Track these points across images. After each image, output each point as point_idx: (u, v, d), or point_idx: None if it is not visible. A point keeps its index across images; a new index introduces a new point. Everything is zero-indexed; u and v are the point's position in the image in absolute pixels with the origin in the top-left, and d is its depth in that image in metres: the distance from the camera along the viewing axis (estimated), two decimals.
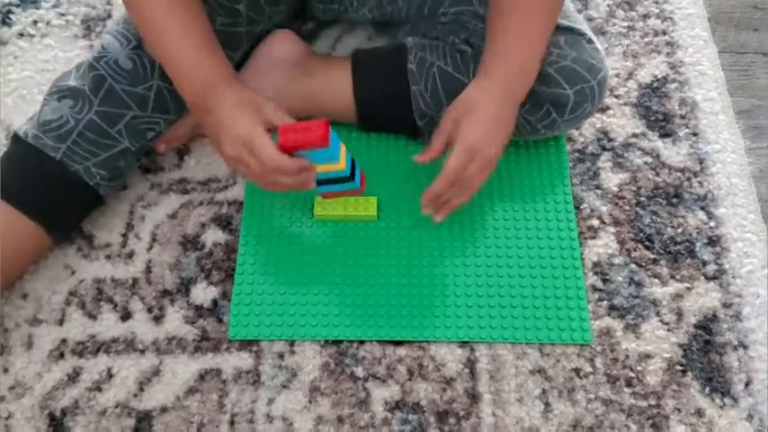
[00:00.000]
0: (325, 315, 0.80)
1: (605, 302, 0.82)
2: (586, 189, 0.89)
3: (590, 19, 1.03)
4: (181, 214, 0.88)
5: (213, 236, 0.86)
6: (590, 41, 0.82)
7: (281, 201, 0.87)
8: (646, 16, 1.04)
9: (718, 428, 0.75)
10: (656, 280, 0.83)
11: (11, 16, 1.04)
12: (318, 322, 0.80)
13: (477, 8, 0.84)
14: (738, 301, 0.82)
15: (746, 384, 0.77)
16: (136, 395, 0.77)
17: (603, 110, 0.95)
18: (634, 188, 0.89)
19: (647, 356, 0.79)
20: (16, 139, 0.80)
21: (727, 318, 0.81)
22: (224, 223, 0.87)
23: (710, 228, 0.86)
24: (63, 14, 1.04)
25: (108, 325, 0.81)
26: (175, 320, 0.81)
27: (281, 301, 0.81)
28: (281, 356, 0.79)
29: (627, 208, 0.88)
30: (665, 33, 1.02)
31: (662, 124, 0.94)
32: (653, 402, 0.76)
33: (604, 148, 0.92)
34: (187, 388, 0.77)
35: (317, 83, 0.88)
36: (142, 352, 0.79)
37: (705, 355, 0.79)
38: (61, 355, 0.79)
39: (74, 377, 0.78)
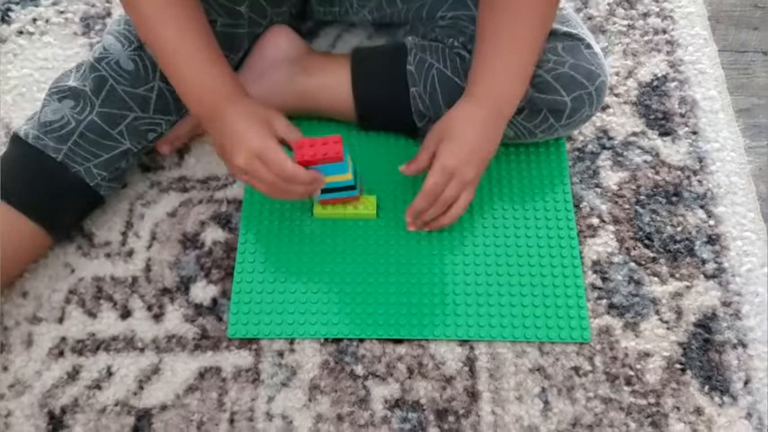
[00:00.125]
0: (324, 313, 0.80)
1: (604, 301, 0.82)
2: (586, 188, 0.89)
3: (590, 17, 1.03)
4: (180, 213, 0.88)
5: (213, 234, 0.86)
6: (589, 47, 0.82)
7: (280, 200, 0.87)
8: (646, 15, 1.04)
9: (717, 427, 0.75)
10: (656, 278, 0.83)
11: (10, 14, 1.04)
12: (318, 320, 0.80)
13: (474, 13, 0.84)
14: (738, 299, 0.82)
15: (745, 383, 0.77)
16: (135, 393, 0.77)
17: (603, 108, 0.95)
18: (633, 187, 0.89)
19: (647, 355, 0.79)
20: (17, 139, 0.80)
21: (727, 316, 0.81)
22: (223, 222, 0.87)
23: (710, 226, 0.86)
24: (62, 12, 1.04)
25: (108, 323, 0.81)
26: (175, 319, 0.81)
27: (281, 300, 0.81)
28: (280, 355, 0.79)
29: (626, 206, 0.88)
30: (665, 32, 1.02)
31: (662, 123, 0.94)
32: (652, 401, 0.76)
33: (604, 147, 0.92)
34: (187, 386, 0.77)
35: (315, 81, 0.88)
36: (142, 350, 0.79)
37: (704, 354, 0.79)
38: (61, 354, 0.79)
39: (73, 375, 0.78)
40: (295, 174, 0.74)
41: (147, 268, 0.84)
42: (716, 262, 0.84)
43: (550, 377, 0.77)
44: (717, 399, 0.76)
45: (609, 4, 1.04)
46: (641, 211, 0.88)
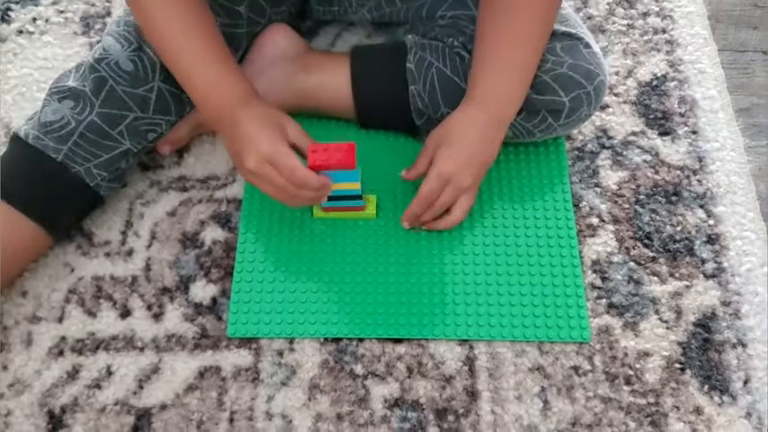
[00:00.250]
0: (324, 313, 0.80)
1: (604, 300, 0.82)
2: (585, 187, 0.89)
3: (589, 17, 1.03)
4: (180, 212, 0.88)
5: (212, 233, 0.86)
6: (587, 46, 0.82)
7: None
8: (645, 14, 1.04)
9: (716, 426, 0.75)
10: (655, 278, 0.83)
11: (10, 13, 1.04)
12: (317, 320, 0.80)
13: (474, 12, 0.84)
14: (737, 299, 0.82)
15: (745, 382, 0.77)
16: (135, 393, 0.77)
17: (603, 108, 0.95)
18: (633, 186, 0.89)
19: (646, 354, 0.79)
20: (17, 139, 0.80)
21: (726, 316, 0.81)
22: (223, 221, 0.87)
23: (709, 226, 0.86)
24: (62, 12, 1.04)
25: (107, 322, 0.81)
26: (175, 318, 0.81)
27: (281, 299, 0.81)
28: (280, 354, 0.79)
29: (626, 206, 0.88)
30: (664, 31, 1.02)
31: (661, 122, 0.94)
32: (652, 400, 0.76)
33: (603, 147, 0.92)
34: (186, 385, 0.77)
35: (315, 79, 0.88)
36: (141, 349, 0.79)
37: (704, 353, 0.79)
38: (60, 353, 0.79)
39: (73, 375, 0.78)
40: (306, 179, 0.74)
41: (147, 268, 0.84)
42: (715, 261, 0.84)
43: (550, 377, 0.77)
44: (716, 398, 0.76)
45: (608, 3, 1.04)
46: (641, 210, 0.88)
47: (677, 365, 0.78)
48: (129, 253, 0.85)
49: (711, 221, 0.87)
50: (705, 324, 0.80)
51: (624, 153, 0.92)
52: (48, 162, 0.79)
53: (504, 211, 0.87)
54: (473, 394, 0.76)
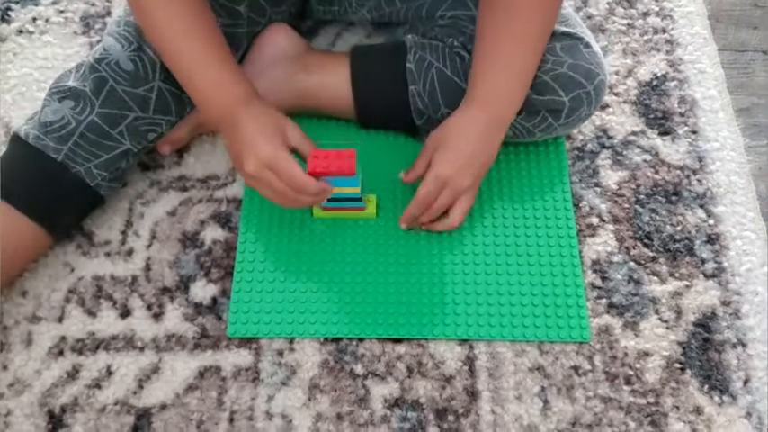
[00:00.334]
0: (324, 313, 0.80)
1: (604, 300, 0.82)
2: (585, 187, 0.89)
3: (589, 17, 1.03)
4: (180, 212, 0.88)
5: (212, 233, 0.86)
6: (587, 45, 0.81)
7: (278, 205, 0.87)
8: (645, 14, 1.04)
9: (716, 426, 0.75)
10: (655, 278, 0.83)
11: (10, 13, 1.04)
12: (317, 320, 0.80)
13: (474, 12, 0.84)
14: (737, 299, 0.82)
15: (745, 382, 0.77)
16: (135, 392, 0.77)
17: (603, 108, 0.95)
18: (633, 186, 0.89)
19: (646, 354, 0.79)
20: (17, 139, 0.80)
21: (726, 316, 0.81)
22: (223, 221, 0.87)
23: (709, 226, 0.86)
24: (62, 11, 1.04)
25: (107, 322, 0.81)
26: (175, 318, 0.81)
27: (281, 299, 0.81)
28: (280, 354, 0.79)
29: (626, 206, 0.88)
30: (664, 31, 1.02)
31: (661, 122, 0.94)
32: (652, 400, 0.76)
33: (604, 146, 0.92)
34: (186, 385, 0.77)
35: (315, 79, 0.88)
36: (141, 349, 0.79)
37: (704, 353, 0.79)
38: (60, 353, 0.79)
39: (73, 374, 0.78)
40: (305, 185, 0.74)
41: (147, 267, 0.84)
42: (715, 261, 0.84)
43: (550, 376, 0.77)
44: (716, 398, 0.76)
45: (608, 3, 1.04)
46: (641, 210, 0.88)
47: (677, 365, 0.78)
48: (130, 253, 0.85)
49: (711, 221, 0.87)
50: (705, 324, 0.80)
51: (624, 153, 0.92)
52: (48, 162, 0.79)
53: (504, 210, 0.87)
54: (473, 394, 0.76)
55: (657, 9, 1.04)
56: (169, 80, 0.81)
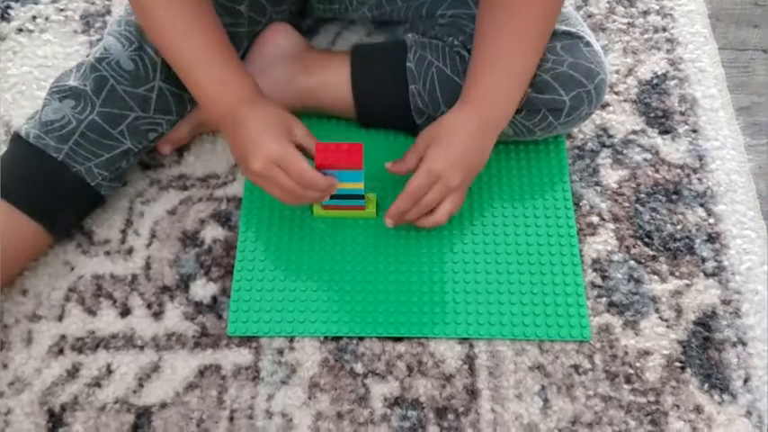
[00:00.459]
0: (324, 311, 0.80)
1: (604, 299, 0.82)
2: (586, 186, 0.89)
3: (590, 15, 1.03)
4: (180, 210, 0.88)
5: (212, 232, 0.86)
6: (588, 44, 0.81)
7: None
8: (646, 13, 1.03)
9: (716, 425, 0.75)
10: (656, 277, 0.83)
11: (10, 12, 1.04)
12: (318, 318, 0.80)
13: (474, 11, 0.84)
14: (737, 297, 0.82)
15: (745, 381, 0.77)
16: (135, 391, 0.77)
17: (603, 106, 0.95)
18: (633, 185, 0.89)
19: (646, 353, 0.79)
20: (17, 138, 0.80)
21: (726, 314, 0.81)
22: (223, 219, 0.87)
23: (710, 224, 0.86)
24: (62, 10, 1.04)
25: (107, 321, 0.81)
26: (175, 317, 0.81)
27: (281, 298, 0.81)
28: (280, 352, 0.79)
29: (626, 205, 0.88)
30: (664, 30, 1.02)
31: (661, 121, 0.94)
32: (652, 399, 0.76)
33: (604, 145, 0.92)
34: (186, 384, 0.77)
35: (315, 79, 0.88)
36: (141, 348, 0.79)
37: (704, 352, 0.79)
38: (60, 351, 0.79)
39: (73, 373, 0.78)
40: (314, 181, 0.74)
41: (147, 266, 0.84)
42: (716, 260, 0.84)
43: (550, 375, 0.77)
44: (716, 397, 0.76)
45: (609, 2, 1.04)
46: (641, 209, 0.88)
47: (677, 364, 0.78)
48: (129, 251, 0.85)
49: (712, 220, 0.87)
50: (705, 323, 0.80)
51: (624, 152, 0.92)
52: (48, 161, 0.79)
53: (505, 209, 0.87)
54: (473, 393, 0.76)
55: (658, 8, 1.04)
56: (170, 80, 0.81)
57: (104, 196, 0.83)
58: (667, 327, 0.80)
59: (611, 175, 0.90)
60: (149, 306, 0.82)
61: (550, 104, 0.81)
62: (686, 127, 0.93)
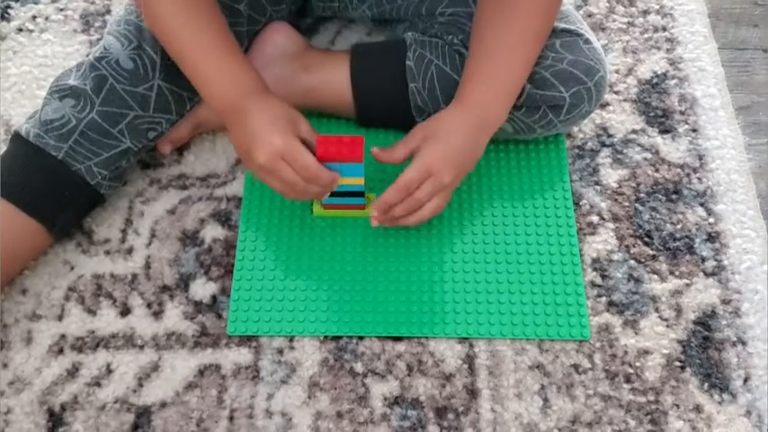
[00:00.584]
0: (324, 311, 0.80)
1: (604, 298, 0.82)
2: (585, 185, 0.89)
3: (590, 15, 1.03)
4: (180, 210, 0.88)
5: (212, 231, 0.86)
6: (587, 42, 0.82)
7: (280, 197, 0.87)
8: (646, 12, 1.03)
9: (716, 424, 0.75)
10: (655, 276, 0.83)
11: (9, 11, 1.04)
12: (317, 318, 0.80)
13: (473, 10, 0.84)
14: (737, 297, 0.82)
15: (745, 380, 0.77)
16: (135, 390, 0.77)
17: (603, 106, 0.95)
18: (633, 184, 0.89)
19: (646, 352, 0.79)
20: (17, 137, 0.80)
21: (726, 314, 0.81)
22: (223, 219, 0.87)
23: (710, 224, 0.86)
24: (62, 9, 1.04)
25: (107, 320, 0.81)
26: (174, 316, 0.81)
27: (281, 297, 0.81)
28: (280, 352, 0.79)
29: (626, 204, 0.88)
30: (664, 29, 1.02)
31: (661, 120, 0.94)
32: (651, 398, 0.76)
33: (604, 144, 0.92)
34: (186, 383, 0.77)
35: (315, 78, 0.88)
36: (141, 347, 0.79)
37: (704, 352, 0.79)
38: (60, 351, 0.79)
39: (73, 372, 0.78)
40: (318, 174, 0.74)
41: (147, 266, 0.84)
42: (715, 260, 0.84)
43: (550, 374, 0.77)
44: (716, 396, 0.76)
45: (608, 1, 1.04)
46: (641, 208, 0.88)
47: (677, 363, 0.78)
48: (129, 251, 0.85)
49: (711, 219, 0.87)
50: (705, 322, 0.80)
51: (624, 151, 0.92)
52: (48, 160, 0.79)
53: (505, 209, 0.87)
54: (473, 392, 0.76)
55: (658, 7, 1.04)
56: (169, 78, 0.81)
57: (104, 195, 0.83)
58: (667, 326, 0.80)
59: (611, 175, 0.90)
60: (149, 305, 0.82)
61: (550, 101, 0.81)
62: (686, 126, 0.94)
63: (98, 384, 0.77)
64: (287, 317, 0.80)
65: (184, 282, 0.83)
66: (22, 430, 0.75)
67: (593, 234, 0.86)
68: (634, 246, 0.85)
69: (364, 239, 0.85)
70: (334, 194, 0.80)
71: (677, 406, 0.76)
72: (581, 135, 0.93)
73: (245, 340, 0.80)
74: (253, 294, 0.82)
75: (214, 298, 0.82)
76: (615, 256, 0.84)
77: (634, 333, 0.80)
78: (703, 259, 0.84)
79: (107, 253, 0.85)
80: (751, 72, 1.00)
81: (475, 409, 0.76)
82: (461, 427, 0.75)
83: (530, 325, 0.79)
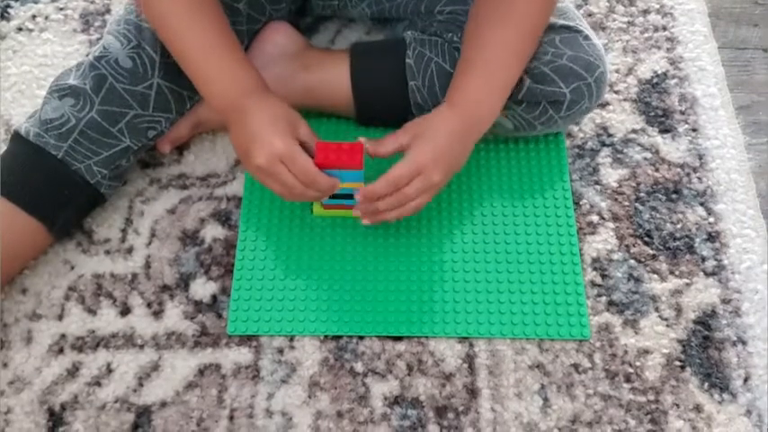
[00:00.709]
0: (324, 311, 0.80)
1: (604, 298, 0.82)
2: (586, 185, 0.89)
3: (590, 14, 1.03)
4: (180, 209, 0.88)
5: (212, 231, 0.86)
6: (587, 38, 0.82)
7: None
8: (646, 12, 1.03)
9: (716, 424, 0.75)
10: (655, 276, 0.83)
11: (9, 11, 1.04)
12: (318, 318, 0.80)
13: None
14: (737, 296, 0.82)
15: (745, 380, 0.77)
16: (135, 390, 0.77)
17: (603, 105, 0.95)
18: (633, 184, 0.89)
19: (646, 352, 0.79)
20: (17, 137, 0.80)
21: (726, 313, 0.81)
22: (223, 219, 0.87)
23: (710, 223, 0.86)
24: (62, 9, 1.04)
25: (107, 320, 0.81)
26: (175, 316, 0.81)
27: (281, 297, 0.81)
28: (280, 351, 0.79)
29: (626, 204, 0.88)
30: (664, 29, 1.02)
31: (661, 120, 0.94)
32: (651, 398, 0.76)
33: (604, 144, 0.92)
34: (186, 383, 0.77)
35: (315, 77, 0.88)
36: (141, 347, 0.79)
37: (704, 351, 0.79)
38: (60, 350, 0.79)
39: (73, 372, 0.78)
40: (317, 179, 0.74)
41: (147, 265, 0.84)
42: (716, 259, 0.84)
43: (550, 374, 0.77)
44: (716, 396, 0.76)
45: (609, 0, 1.04)
46: (641, 208, 0.88)
47: (677, 363, 0.78)
48: (129, 250, 0.85)
49: (711, 219, 0.87)
50: (705, 322, 0.80)
51: (624, 151, 0.92)
52: (48, 159, 0.79)
53: (505, 208, 0.87)
54: (473, 392, 0.76)
55: (658, 6, 1.04)
56: (168, 77, 0.81)
57: (104, 195, 0.83)
58: (667, 326, 0.80)
59: (611, 174, 0.90)
60: (149, 305, 0.82)
61: (551, 97, 0.81)
62: (686, 126, 0.93)
63: (98, 384, 0.77)
64: (287, 316, 0.80)
65: (184, 281, 0.83)
66: (22, 430, 0.75)
67: (593, 234, 0.86)
68: (634, 245, 0.85)
69: (364, 239, 0.85)
70: (333, 196, 0.80)
71: (677, 405, 0.76)
72: (581, 134, 0.93)
73: (246, 340, 0.80)
74: (253, 294, 0.82)
75: (214, 298, 0.82)
76: (615, 256, 0.84)
77: (634, 333, 0.80)
78: (703, 259, 0.84)
79: (107, 252, 0.85)
80: (751, 71, 1.00)
81: (475, 408, 0.76)
82: (461, 426, 0.75)
83: (530, 324, 0.79)
